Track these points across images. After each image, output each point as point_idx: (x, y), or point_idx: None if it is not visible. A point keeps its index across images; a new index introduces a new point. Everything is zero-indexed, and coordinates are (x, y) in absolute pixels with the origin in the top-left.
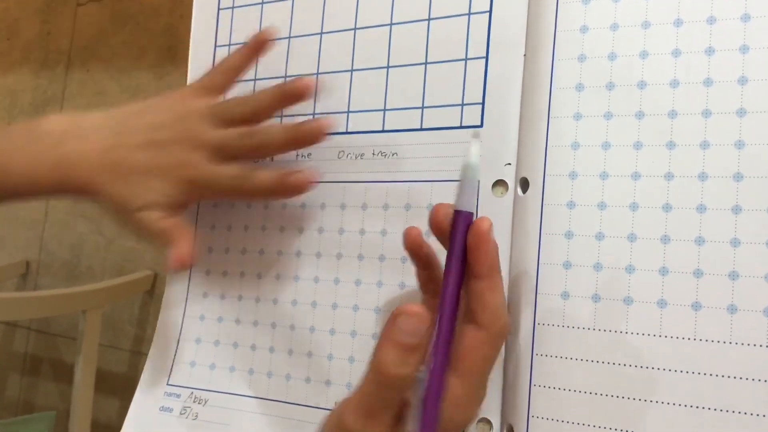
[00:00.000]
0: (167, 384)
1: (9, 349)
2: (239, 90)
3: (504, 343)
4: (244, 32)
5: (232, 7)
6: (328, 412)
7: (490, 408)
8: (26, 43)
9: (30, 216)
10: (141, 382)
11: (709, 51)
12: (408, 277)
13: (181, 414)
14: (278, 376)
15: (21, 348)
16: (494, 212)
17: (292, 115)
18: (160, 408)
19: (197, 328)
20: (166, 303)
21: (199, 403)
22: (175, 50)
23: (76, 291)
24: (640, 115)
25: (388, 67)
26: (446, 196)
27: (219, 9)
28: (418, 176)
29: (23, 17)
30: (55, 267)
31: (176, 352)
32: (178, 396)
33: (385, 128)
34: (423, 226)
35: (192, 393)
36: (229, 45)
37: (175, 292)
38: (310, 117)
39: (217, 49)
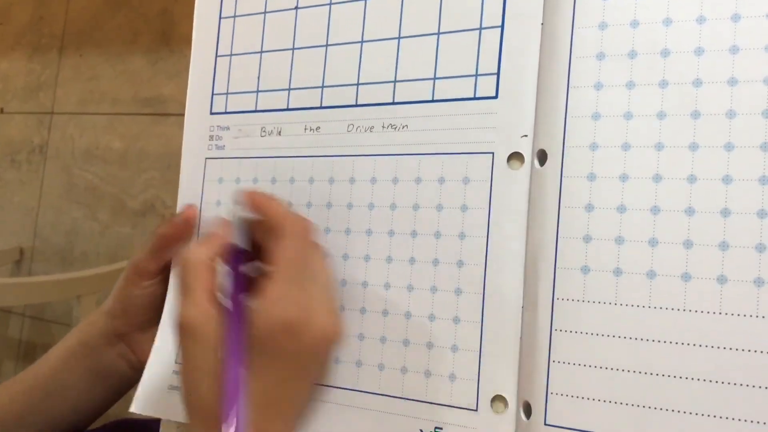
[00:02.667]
0: (175, 362)
1: (3, 336)
2: (242, 71)
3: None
4: (249, 2)
5: None
6: (335, 390)
7: (506, 385)
8: (19, 28)
9: (24, 202)
10: (150, 360)
11: (735, 17)
12: (418, 251)
13: None
14: None
15: (15, 335)
16: (509, 186)
17: (303, 88)
18: (169, 387)
19: None
20: (173, 279)
21: None
22: (170, 34)
23: (70, 277)
24: (663, 84)
25: (399, 38)
26: (458, 169)
27: None
28: (429, 149)
29: (16, 2)
30: (50, 253)
31: None
32: None
33: (396, 100)
34: (433, 200)
35: None
36: (234, 16)
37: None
38: (319, 90)
39: (222, 20)
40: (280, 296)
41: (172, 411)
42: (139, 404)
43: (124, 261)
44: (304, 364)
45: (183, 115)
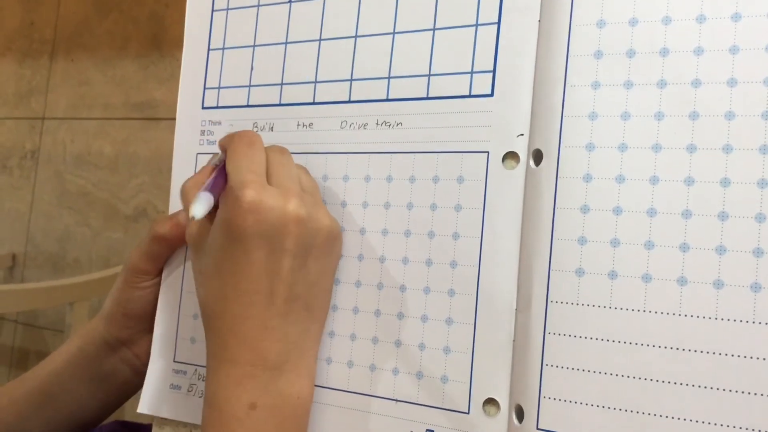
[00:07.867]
0: (174, 361)
1: None
2: (234, 65)
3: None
4: None
5: None
6: (326, 390)
7: (498, 388)
8: (9, 33)
9: (16, 208)
10: (151, 360)
11: (736, 17)
12: (411, 251)
13: (188, 392)
14: None
15: (8, 341)
16: (504, 185)
17: (296, 83)
18: (170, 386)
19: (194, 304)
20: (165, 276)
21: (203, 381)
22: (161, 39)
23: (63, 283)
24: (662, 84)
25: (394, 33)
26: (452, 168)
27: None
28: (424, 147)
29: (6, 6)
30: (42, 259)
31: (177, 328)
32: (185, 373)
33: (390, 97)
34: (427, 199)
35: (196, 370)
36: (227, 9)
37: (174, 264)
38: (312, 85)
39: (215, 13)
40: (231, 185)
41: (176, 410)
42: (145, 404)
43: (117, 267)
44: (271, 244)
45: (174, 119)
